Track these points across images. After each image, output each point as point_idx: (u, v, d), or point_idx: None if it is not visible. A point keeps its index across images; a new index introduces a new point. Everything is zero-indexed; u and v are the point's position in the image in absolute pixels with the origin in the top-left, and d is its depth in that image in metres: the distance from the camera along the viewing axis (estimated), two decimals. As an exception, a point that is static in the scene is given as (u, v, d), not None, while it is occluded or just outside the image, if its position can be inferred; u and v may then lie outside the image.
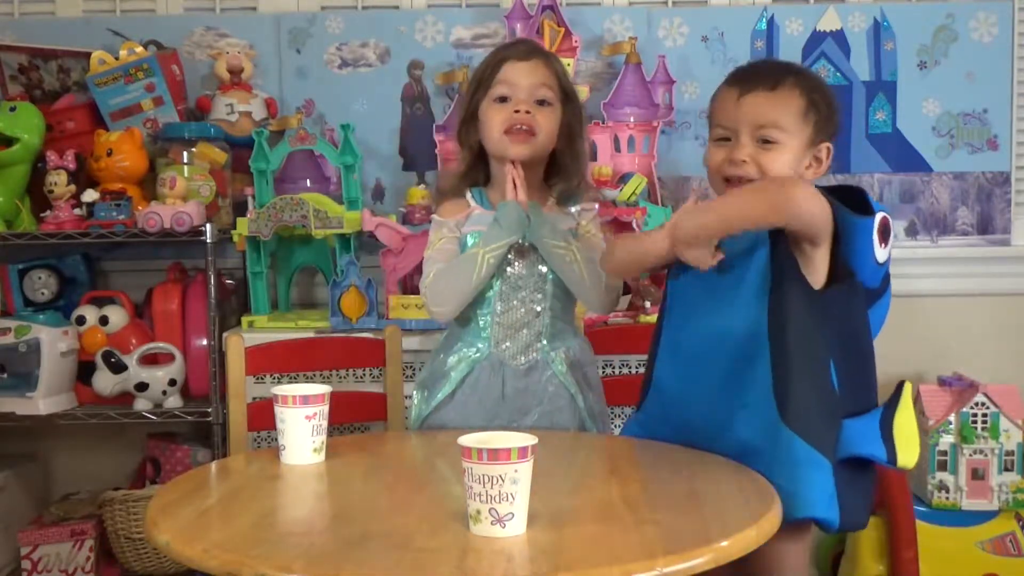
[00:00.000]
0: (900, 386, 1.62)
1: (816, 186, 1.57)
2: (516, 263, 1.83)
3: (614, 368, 2.33)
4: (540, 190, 1.87)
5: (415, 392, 1.92)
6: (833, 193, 1.57)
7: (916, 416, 1.62)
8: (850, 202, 1.57)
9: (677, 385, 1.67)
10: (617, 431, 2.05)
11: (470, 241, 1.84)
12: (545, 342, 1.85)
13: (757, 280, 1.59)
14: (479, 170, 1.88)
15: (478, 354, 1.85)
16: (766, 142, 1.62)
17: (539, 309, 1.84)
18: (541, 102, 1.78)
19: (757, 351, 1.58)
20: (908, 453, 1.56)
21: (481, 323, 1.86)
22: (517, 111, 1.76)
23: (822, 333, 1.58)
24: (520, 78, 1.77)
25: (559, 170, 1.86)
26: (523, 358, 1.84)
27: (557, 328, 1.86)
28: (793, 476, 1.50)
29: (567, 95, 1.83)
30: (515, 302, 1.84)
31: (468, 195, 1.88)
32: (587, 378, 1.89)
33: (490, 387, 1.83)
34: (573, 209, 1.87)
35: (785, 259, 1.58)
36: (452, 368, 1.86)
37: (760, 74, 1.65)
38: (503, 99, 1.78)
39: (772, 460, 1.52)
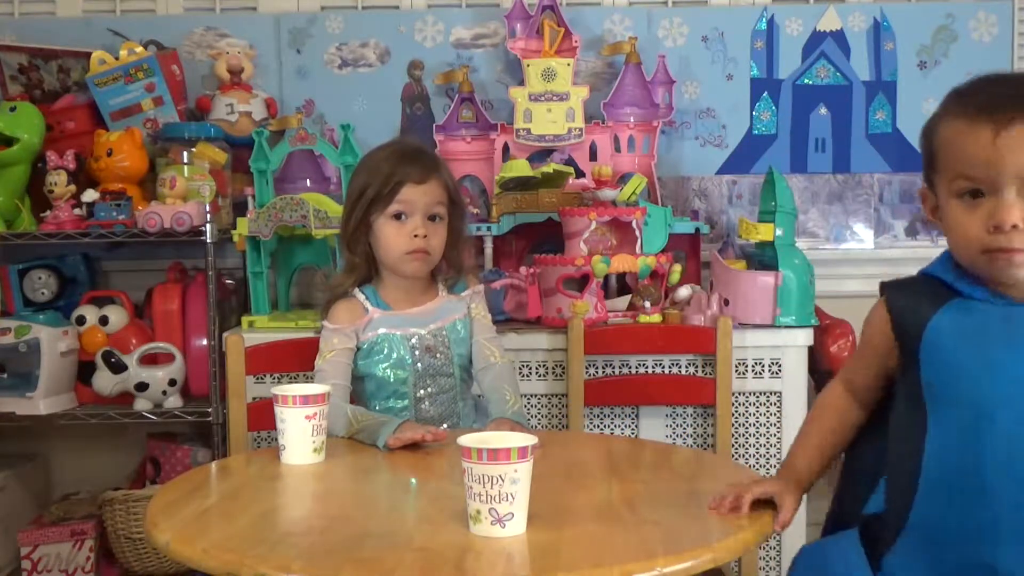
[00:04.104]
0: None
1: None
2: (426, 356, 1.89)
3: (613, 368, 2.33)
4: (428, 285, 1.96)
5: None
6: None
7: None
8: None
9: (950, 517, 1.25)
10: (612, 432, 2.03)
11: (380, 342, 1.87)
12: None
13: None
14: (365, 270, 1.94)
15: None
16: None
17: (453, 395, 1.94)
18: (433, 217, 1.89)
19: None
20: None
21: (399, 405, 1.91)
22: (416, 235, 1.86)
23: None
24: (418, 198, 1.87)
25: (443, 263, 1.96)
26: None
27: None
28: None
29: (454, 201, 1.94)
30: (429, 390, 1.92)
31: (360, 296, 1.91)
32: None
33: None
34: (464, 294, 1.97)
35: None
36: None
37: (1011, 99, 1.21)
38: (398, 215, 1.87)
39: None
